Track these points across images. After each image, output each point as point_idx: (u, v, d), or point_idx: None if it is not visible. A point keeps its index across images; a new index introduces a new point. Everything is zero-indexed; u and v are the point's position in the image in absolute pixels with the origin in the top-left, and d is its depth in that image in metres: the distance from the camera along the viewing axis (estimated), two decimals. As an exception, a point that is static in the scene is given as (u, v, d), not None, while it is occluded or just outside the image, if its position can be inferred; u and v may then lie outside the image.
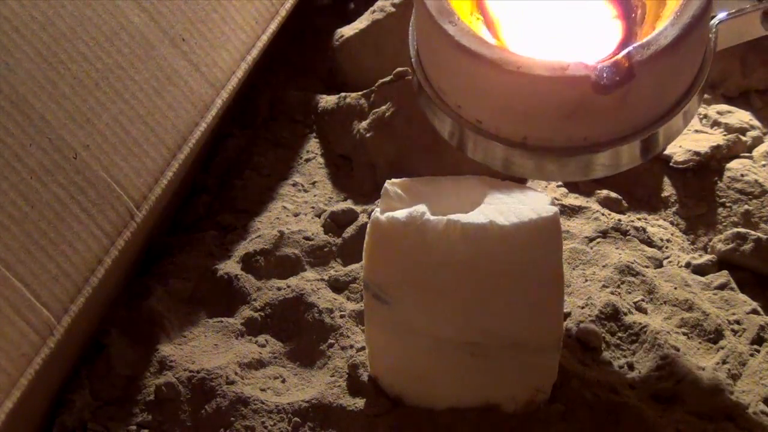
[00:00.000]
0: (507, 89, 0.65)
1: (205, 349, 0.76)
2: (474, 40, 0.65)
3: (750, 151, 0.88)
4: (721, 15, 0.70)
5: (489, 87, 0.65)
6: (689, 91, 0.68)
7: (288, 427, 0.71)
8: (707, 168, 0.87)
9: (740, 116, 0.91)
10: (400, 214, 0.65)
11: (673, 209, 0.87)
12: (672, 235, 0.85)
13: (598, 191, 0.87)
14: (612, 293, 0.78)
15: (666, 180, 0.88)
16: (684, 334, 0.76)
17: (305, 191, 0.89)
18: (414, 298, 0.67)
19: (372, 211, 0.68)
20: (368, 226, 0.66)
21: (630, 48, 0.63)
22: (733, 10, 0.70)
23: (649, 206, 0.87)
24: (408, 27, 0.73)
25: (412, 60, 0.73)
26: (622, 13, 0.72)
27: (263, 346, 0.77)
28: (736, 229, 0.82)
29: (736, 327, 0.77)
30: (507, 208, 0.65)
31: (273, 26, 0.87)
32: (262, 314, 0.78)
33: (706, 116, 0.91)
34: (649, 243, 0.83)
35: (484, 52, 0.64)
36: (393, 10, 0.94)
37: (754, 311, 0.78)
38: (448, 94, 0.69)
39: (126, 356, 0.75)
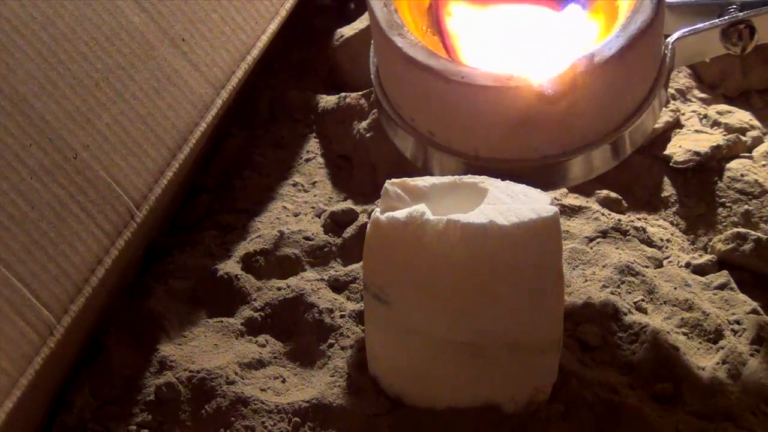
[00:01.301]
0: (454, 100, 0.65)
1: (205, 349, 0.76)
2: (421, 51, 0.66)
3: (750, 151, 0.88)
4: (680, 31, 0.71)
5: (437, 98, 0.66)
6: (640, 107, 0.68)
7: (288, 427, 0.71)
8: (707, 168, 0.87)
9: (740, 116, 0.91)
10: (400, 214, 0.65)
11: (673, 209, 0.87)
12: (672, 235, 0.85)
13: (598, 191, 0.87)
14: (612, 293, 0.78)
15: (666, 180, 0.88)
16: (684, 334, 0.76)
17: (305, 191, 0.89)
18: (414, 298, 0.67)
19: (372, 211, 0.68)
20: (368, 226, 0.66)
21: (574, 59, 0.64)
22: (687, 29, 0.70)
23: (649, 206, 0.87)
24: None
25: (372, 76, 0.73)
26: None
27: (263, 346, 0.77)
28: (736, 229, 0.82)
29: (736, 327, 0.77)
30: (507, 208, 0.65)
31: (273, 26, 0.87)
32: (262, 314, 0.78)
33: (706, 116, 0.91)
34: (649, 243, 0.83)
35: (431, 63, 0.65)
36: (393, 10, 0.94)
37: (754, 311, 0.78)
38: (402, 107, 0.69)
39: (126, 356, 0.75)
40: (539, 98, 0.62)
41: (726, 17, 0.71)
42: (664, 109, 0.90)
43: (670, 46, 0.70)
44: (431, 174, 0.70)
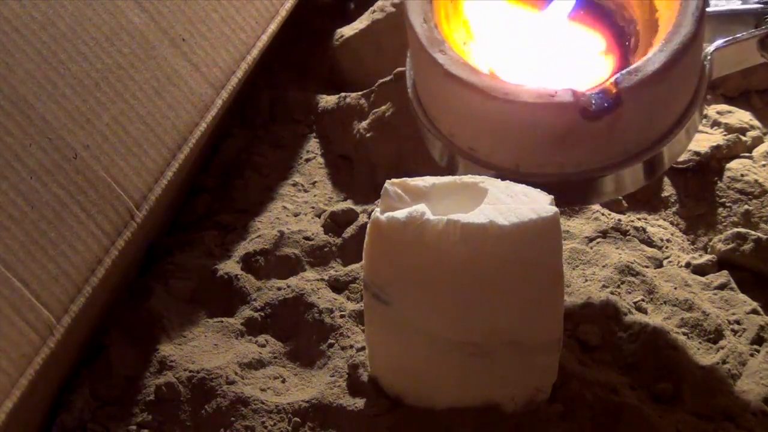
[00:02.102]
0: (496, 117, 0.65)
1: (205, 349, 0.76)
2: (463, 68, 0.66)
3: (750, 151, 0.88)
4: (718, 42, 0.70)
5: (479, 115, 0.66)
6: (681, 119, 0.68)
7: (288, 427, 0.71)
8: (707, 168, 0.87)
9: (740, 116, 0.91)
10: (400, 214, 0.65)
11: (673, 209, 0.87)
12: (672, 235, 0.85)
13: (598, 191, 0.87)
14: (612, 293, 0.78)
15: (666, 180, 0.88)
16: (684, 334, 0.76)
17: (305, 191, 0.89)
18: (414, 298, 0.67)
19: (372, 211, 0.68)
20: (368, 226, 0.66)
21: (617, 75, 0.63)
22: (729, 38, 0.70)
23: (649, 206, 0.87)
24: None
25: (409, 90, 0.73)
26: (616, 41, 0.73)
27: (263, 346, 0.77)
28: (736, 229, 0.82)
29: (736, 327, 0.77)
30: (507, 208, 0.65)
31: (273, 26, 0.87)
32: (262, 314, 0.78)
33: (706, 116, 0.91)
34: (649, 243, 0.83)
35: (473, 80, 0.65)
36: (393, 10, 0.94)
37: (754, 311, 0.78)
38: (441, 122, 0.69)
39: (126, 356, 0.75)
40: (582, 115, 0.62)
41: (764, 27, 0.71)
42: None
43: (709, 57, 0.70)
44: None
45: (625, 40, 0.73)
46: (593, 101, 0.63)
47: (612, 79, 0.63)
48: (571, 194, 0.67)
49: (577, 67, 0.71)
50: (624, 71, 0.64)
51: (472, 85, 0.65)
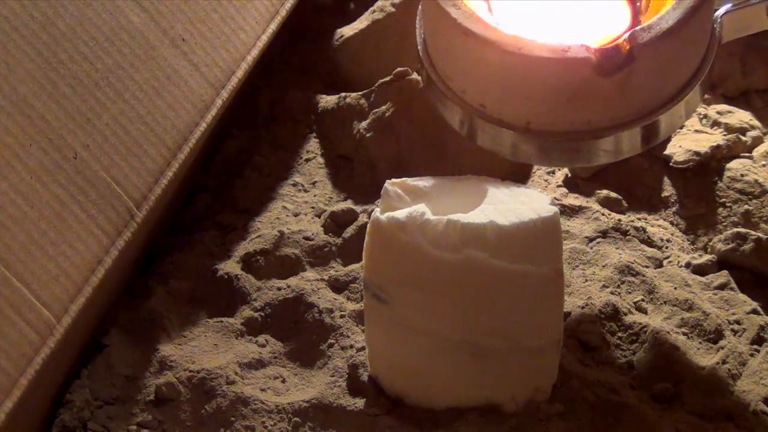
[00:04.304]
0: (509, 71, 0.65)
1: (205, 349, 0.76)
2: (477, 22, 0.65)
3: (750, 151, 0.88)
4: (727, 5, 0.70)
5: (492, 70, 0.66)
6: (692, 80, 0.68)
7: (288, 427, 0.71)
8: (707, 168, 0.87)
9: (740, 116, 0.91)
10: (400, 214, 0.65)
11: (673, 209, 0.87)
12: (672, 235, 0.85)
13: (598, 191, 0.87)
14: (612, 293, 0.78)
15: (666, 180, 0.88)
16: (684, 334, 0.76)
17: (305, 191, 0.89)
18: (414, 298, 0.67)
19: (372, 211, 0.68)
20: (368, 226, 0.66)
21: (631, 31, 0.64)
22: (739, 1, 0.70)
23: (649, 206, 0.87)
24: (410, 26, 0.73)
25: (419, 48, 0.73)
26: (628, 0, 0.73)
27: (263, 346, 0.77)
28: (736, 229, 0.82)
29: (736, 327, 0.77)
30: (507, 208, 0.65)
31: (273, 26, 0.87)
32: (262, 314, 0.78)
33: (706, 116, 0.91)
34: (649, 243, 0.83)
35: (487, 35, 0.65)
36: (393, 10, 0.94)
37: (754, 311, 0.78)
38: (452, 79, 0.69)
39: (126, 356, 0.75)
40: (596, 70, 0.62)
41: None
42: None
43: (719, 20, 0.70)
44: (482, 147, 0.70)
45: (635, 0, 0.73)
46: (606, 57, 0.63)
47: (625, 36, 0.64)
48: (577, 154, 0.67)
49: (589, 22, 0.71)
50: (638, 28, 0.64)
51: (484, 39, 0.65)
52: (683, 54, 0.67)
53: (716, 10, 0.70)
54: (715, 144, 0.87)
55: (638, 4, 0.72)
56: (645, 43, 0.63)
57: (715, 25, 0.69)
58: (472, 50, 0.66)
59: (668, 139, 0.89)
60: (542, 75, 0.64)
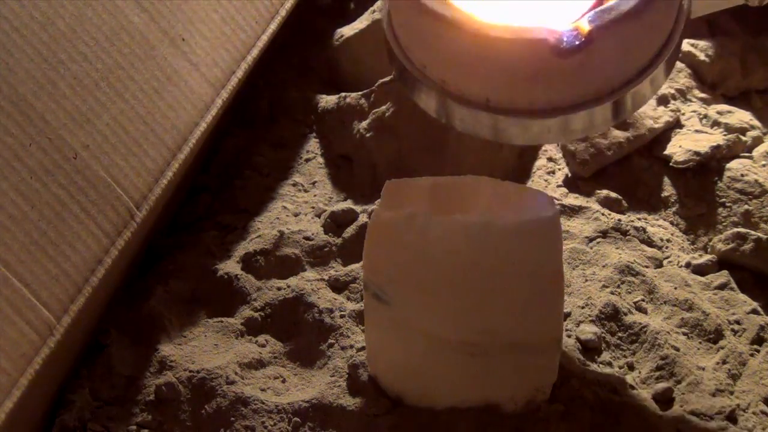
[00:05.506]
0: (466, 50, 0.65)
1: (205, 349, 0.76)
2: (438, 2, 0.66)
3: (750, 151, 0.88)
4: None
5: (450, 48, 0.66)
6: (656, 58, 0.68)
7: (288, 427, 0.71)
8: (707, 168, 0.87)
9: (740, 116, 0.91)
10: (400, 214, 0.65)
11: (673, 209, 0.87)
12: (672, 235, 0.85)
13: (598, 191, 0.87)
14: (612, 293, 0.78)
15: (666, 180, 0.88)
16: (684, 334, 0.76)
17: (305, 191, 0.89)
18: (414, 298, 0.67)
19: (372, 211, 0.68)
20: (368, 226, 0.66)
21: (591, 12, 0.64)
22: None
23: (649, 206, 0.87)
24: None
25: (384, 24, 0.73)
26: None
27: (263, 346, 0.77)
28: (736, 229, 0.82)
29: (736, 327, 0.77)
30: (507, 208, 0.65)
31: (273, 26, 0.87)
32: (262, 314, 0.78)
33: (706, 116, 0.91)
34: (649, 243, 0.83)
35: (446, 13, 0.65)
36: (393, 10, 0.94)
37: (754, 311, 0.78)
38: (414, 53, 0.69)
39: (126, 356, 0.75)
40: (553, 51, 0.62)
41: None
42: (664, 109, 0.90)
43: None
44: (446, 123, 0.70)
45: None
46: (565, 38, 0.63)
47: (585, 17, 0.63)
48: (539, 131, 0.67)
49: (555, 3, 0.71)
50: (597, 9, 0.64)
51: (442, 16, 0.65)
52: (645, 34, 0.66)
53: None
54: (715, 144, 0.87)
55: None
56: (603, 24, 0.63)
57: (683, 1, 0.69)
58: (431, 29, 0.66)
59: (668, 140, 0.89)
60: (501, 55, 0.64)
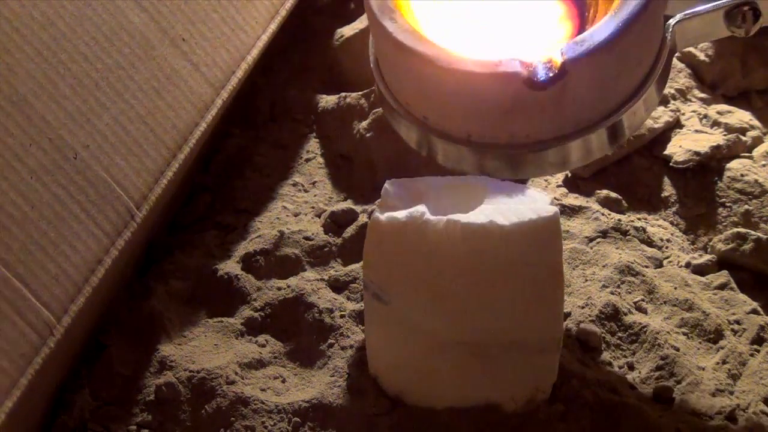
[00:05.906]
0: (443, 86, 0.65)
1: (205, 349, 0.76)
2: (411, 36, 0.66)
3: (750, 151, 0.88)
4: (678, 15, 0.69)
5: (427, 83, 0.66)
6: (637, 91, 0.67)
7: (288, 427, 0.71)
8: (707, 168, 0.87)
9: (740, 116, 0.91)
10: (400, 214, 0.65)
11: (673, 209, 0.87)
12: (672, 235, 0.85)
13: (598, 191, 0.87)
14: (612, 293, 0.78)
15: (666, 180, 0.88)
16: (684, 334, 0.76)
17: (305, 191, 0.89)
18: (414, 298, 0.67)
19: (372, 211, 0.68)
20: (368, 226, 0.66)
21: (565, 45, 0.63)
22: (688, 11, 0.69)
23: (649, 206, 0.87)
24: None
25: (371, 62, 0.73)
26: (576, 11, 0.72)
27: (263, 346, 0.77)
28: (736, 229, 0.82)
29: (736, 327, 0.77)
30: (507, 208, 0.65)
31: (273, 26, 0.87)
32: (262, 314, 0.78)
33: (706, 116, 0.91)
34: (649, 243, 0.83)
35: (420, 49, 0.65)
36: (393, 10, 0.94)
37: (754, 311, 0.78)
38: (397, 92, 0.69)
39: (126, 356, 0.75)
40: (527, 84, 0.62)
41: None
42: (664, 109, 0.90)
43: (670, 29, 0.69)
44: (431, 157, 0.70)
45: (583, 10, 0.72)
46: (538, 71, 0.62)
47: (558, 50, 0.63)
48: (522, 166, 0.67)
49: (533, 36, 0.71)
50: (571, 41, 0.63)
51: (418, 53, 0.65)
52: (623, 65, 0.66)
53: (668, 18, 0.69)
54: (715, 144, 0.87)
55: (586, 14, 0.71)
56: (577, 56, 0.63)
57: (666, 34, 0.68)
58: (407, 64, 0.66)
59: (668, 140, 0.89)
60: (475, 89, 0.64)
